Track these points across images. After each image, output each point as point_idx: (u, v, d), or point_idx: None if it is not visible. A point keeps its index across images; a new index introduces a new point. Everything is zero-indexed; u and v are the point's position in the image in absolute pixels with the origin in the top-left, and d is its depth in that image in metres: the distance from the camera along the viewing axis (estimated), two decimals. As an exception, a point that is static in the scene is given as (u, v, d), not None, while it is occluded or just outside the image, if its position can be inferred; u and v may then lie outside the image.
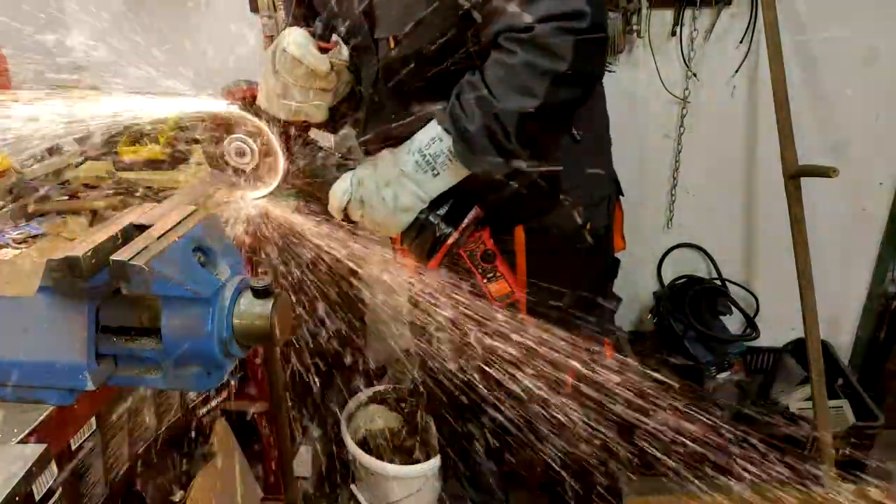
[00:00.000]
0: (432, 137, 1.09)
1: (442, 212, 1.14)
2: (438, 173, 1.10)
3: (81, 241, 0.83)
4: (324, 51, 1.07)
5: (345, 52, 1.10)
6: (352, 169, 1.16)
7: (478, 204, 1.16)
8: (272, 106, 1.10)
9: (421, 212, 1.13)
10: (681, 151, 2.14)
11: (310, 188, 1.18)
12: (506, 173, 1.10)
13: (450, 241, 1.13)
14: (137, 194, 1.48)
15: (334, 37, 1.09)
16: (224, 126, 1.12)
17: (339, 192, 1.14)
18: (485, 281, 1.22)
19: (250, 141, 1.11)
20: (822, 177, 1.71)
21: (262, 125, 1.10)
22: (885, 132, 2.06)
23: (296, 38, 1.04)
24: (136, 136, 1.65)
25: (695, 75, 2.03)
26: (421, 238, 1.15)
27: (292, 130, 1.15)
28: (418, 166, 1.10)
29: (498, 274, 1.21)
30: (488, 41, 1.05)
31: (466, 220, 1.14)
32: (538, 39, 0.99)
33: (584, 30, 0.98)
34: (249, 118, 1.11)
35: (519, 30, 1.00)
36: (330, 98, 1.13)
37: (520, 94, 1.01)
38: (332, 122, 1.25)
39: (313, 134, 1.25)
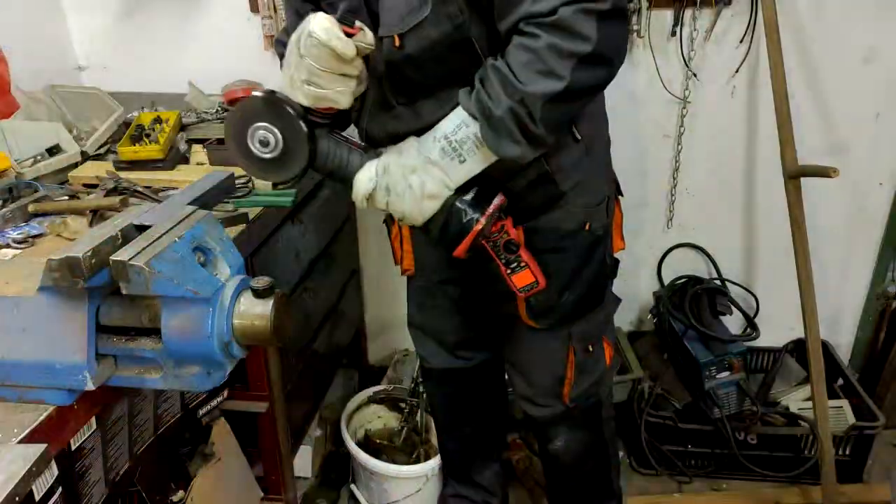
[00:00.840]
0: (458, 123, 1.09)
1: (468, 197, 1.13)
2: (465, 160, 1.10)
3: (81, 241, 0.83)
4: (349, 35, 1.05)
5: (369, 36, 1.07)
6: (376, 157, 1.15)
7: (501, 191, 1.16)
8: (296, 92, 1.08)
9: (447, 198, 1.12)
10: (681, 151, 2.14)
11: (333, 177, 1.17)
12: (532, 159, 1.10)
13: (477, 227, 1.13)
14: (137, 194, 1.48)
15: (358, 22, 1.07)
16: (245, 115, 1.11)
17: (365, 179, 1.13)
18: (508, 272, 1.21)
19: (275, 129, 1.09)
20: (822, 177, 1.71)
21: (288, 111, 1.09)
22: (885, 132, 2.06)
23: (321, 23, 1.02)
24: (136, 136, 1.65)
25: (695, 75, 2.03)
26: (448, 224, 1.14)
27: (316, 118, 1.13)
28: (444, 153, 1.10)
29: (522, 264, 1.20)
30: (507, 32, 1.05)
31: (492, 207, 1.14)
32: (561, 22, 0.99)
33: (606, 11, 0.99)
34: (274, 102, 1.09)
35: (541, 15, 1.00)
36: (354, 84, 1.11)
37: (545, 77, 1.02)
38: (344, 120, 1.24)
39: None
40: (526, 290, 1.22)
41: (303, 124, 1.09)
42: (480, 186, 1.14)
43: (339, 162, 1.15)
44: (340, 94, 1.09)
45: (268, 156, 1.11)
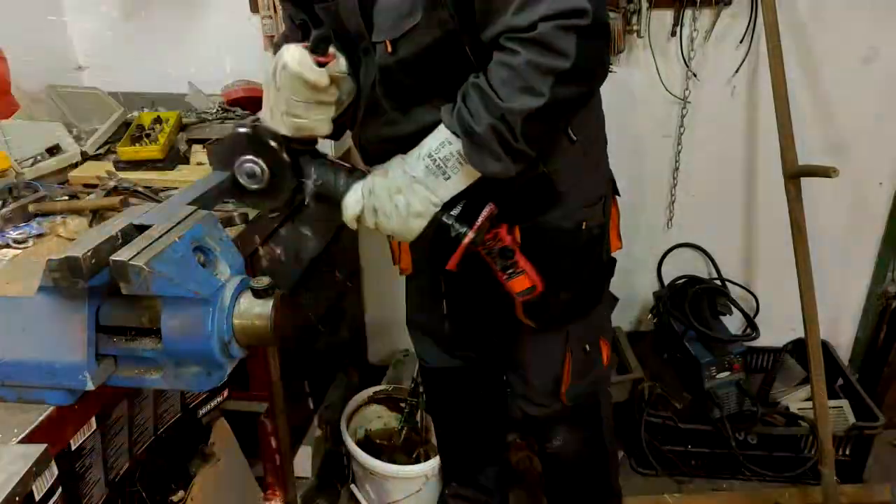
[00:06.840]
0: (441, 141, 1.10)
1: (455, 212, 1.14)
2: (449, 177, 1.11)
3: (81, 241, 0.83)
4: (322, 64, 1.09)
5: (343, 63, 1.12)
6: (362, 178, 1.16)
7: (491, 201, 1.17)
8: (276, 122, 1.12)
9: (434, 214, 1.13)
10: (681, 151, 2.14)
11: (322, 199, 1.19)
12: (516, 173, 1.10)
13: (466, 240, 1.14)
14: (137, 194, 1.48)
15: (331, 49, 1.11)
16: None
17: (352, 202, 1.15)
18: (505, 277, 1.22)
19: (261, 161, 1.13)
20: (822, 177, 1.71)
21: (272, 143, 1.13)
22: (885, 132, 2.06)
23: (293, 55, 1.06)
24: (136, 136, 1.65)
25: (695, 75, 2.03)
26: (437, 240, 1.15)
27: (299, 145, 1.17)
28: (429, 171, 1.11)
29: (519, 269, 1.21)
30: (489, 42, 1.06)
31: (481, 219, 1.14)
32: (540, 38, 0.99)
33: (585, 27, 0.99)
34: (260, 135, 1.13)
35: (521, 30, 1.00)
36: (332, 110, 1.15)
37: (525, 94, 1.02)
38: (336, 132, 1.26)
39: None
40: (524, 295, 1.24)
41: (286, 155, 1.14)
42: (469, 199, 1.15)
43: (326, 186, 1.18)
44: (319, 122, 1.13)
45: (256, 187, 1.15)
